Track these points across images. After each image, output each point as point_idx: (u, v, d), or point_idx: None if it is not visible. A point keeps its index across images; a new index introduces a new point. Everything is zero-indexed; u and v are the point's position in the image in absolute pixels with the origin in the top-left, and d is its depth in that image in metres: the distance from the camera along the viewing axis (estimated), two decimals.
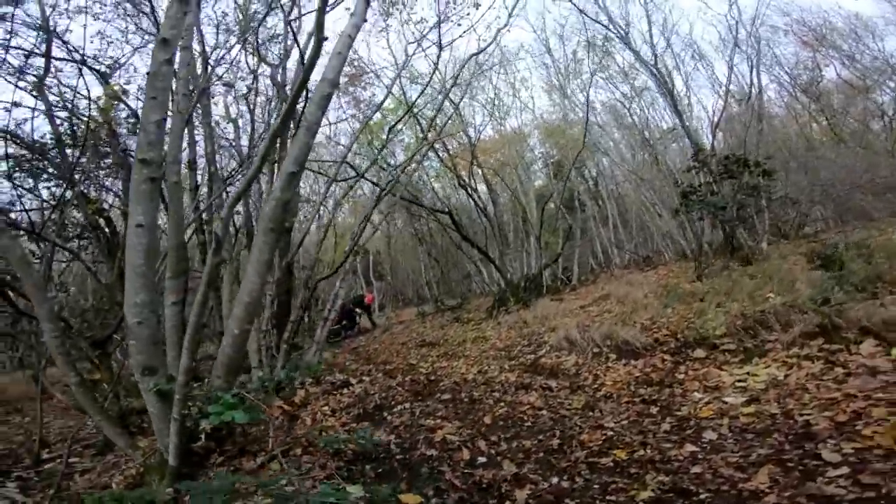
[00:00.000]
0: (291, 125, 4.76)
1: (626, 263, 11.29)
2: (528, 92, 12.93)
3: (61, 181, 4.60)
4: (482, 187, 10.65)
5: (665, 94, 9.31)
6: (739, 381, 3.03)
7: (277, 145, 4.95)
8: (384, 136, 7.77)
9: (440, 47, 6.09)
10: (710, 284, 6.19)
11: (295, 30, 6.02)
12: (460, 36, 11.11)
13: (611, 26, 10.03)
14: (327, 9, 5.79)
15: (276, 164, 5.00)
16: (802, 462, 1.97)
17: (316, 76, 3.49)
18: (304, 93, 4.16)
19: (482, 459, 2.64)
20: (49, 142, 4.51)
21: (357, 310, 10.24)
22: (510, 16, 6.77)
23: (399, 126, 7.88)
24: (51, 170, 4.74)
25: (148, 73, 2.63)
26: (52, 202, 4.60)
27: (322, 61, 3.29)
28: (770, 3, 12.26)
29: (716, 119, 9.01)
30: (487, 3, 13.15)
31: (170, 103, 3.36)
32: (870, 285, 3.78)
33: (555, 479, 2.34)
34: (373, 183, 7.76)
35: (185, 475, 2.65)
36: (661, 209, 9.87)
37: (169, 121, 3.44)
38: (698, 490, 1.96)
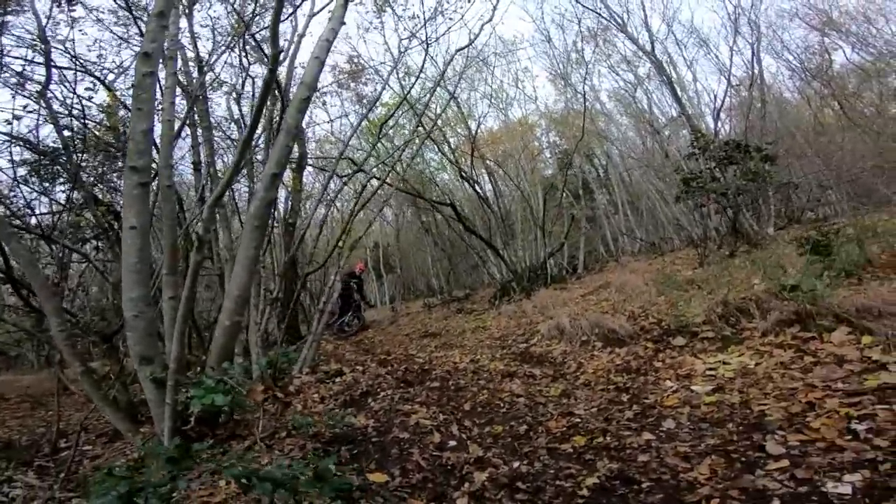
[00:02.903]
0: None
1: (636, 251, 11.18)
2: (532, 82, 12.87)
3: (72, 185, 4.87)
4: (486, 178, 10.68)
5: (665, 81, 9.15)
6: (710, 369, 3.06)
7: (263, 148, 5.14)
8: (386, 131, 7.86)
9: (427, 44, 6.13)
10: (709, 271, 6.14)
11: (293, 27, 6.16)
12: (446, 32, 10.97)
13: (607, 14, 9.92)
14: (315, 12, 5.88)
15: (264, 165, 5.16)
16: (746, 454, 2.01)
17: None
18: (282, 100, 4.29)
19: (452, 443, 2.75)
20: (59, 147, 4.77)
21: (354, 286, 9.05)
22: (494, 9, 6.69)
23: (399, 120, 7.96)
24: (64, 175, 5.01)
25: (132, 86, 2.80)
26: (65, 206, 4.88)
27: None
28: None
29: (718, 104, 8.80)
30: None
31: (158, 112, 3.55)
32: (860, 270, 3.73)
33: (515, 464, 2.43)
34: (374, 177, 7.87)
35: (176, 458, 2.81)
36: (668, 196, 9.72)
37: (158, 128, 3.65)
38: (641, 479, 2.02)
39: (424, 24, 6.07)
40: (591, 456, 2.35)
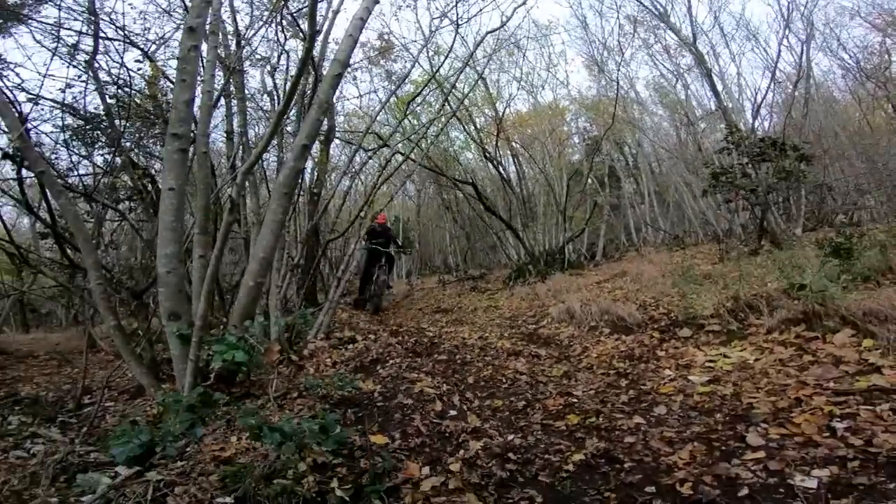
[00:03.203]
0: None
1: (658, 242, 11.03)
2: (565, 67, 12.54)
3: (112, 149, 5.15)
4: (510, 160, 10.66)
5: (704, 73, 8.81)
6: (710, 361, 3.12)
7: (293, 120, 5.30)
8: (413, 108, 7.90)
9: (458, 24, 6.09)
10: (728, 267, 6.07)
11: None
12: (478, 13, 10.69)
13: (649, 2, 9.56)
14: None
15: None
16: (727, 443, 2.10)
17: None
18: (315, 75, 4.39)
19: (452, 412, 2.93)
20: (101, 114, 5.04)
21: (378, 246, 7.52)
22: None
23: (426, 97, 7.97)
24: (103, 139, 5.29)
25: (177, 59, 2.96)
26: (105, 168, 5.18)
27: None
28: None
29: (759, 100, 8.40)
30: None
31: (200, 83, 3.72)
32: (879, 276, 3.67)
33: (510, 436, 2.58)
34: (399, 152, 7.97)
35: (196, 405, 3.01)
36: (697, 190, 9.51)
37: (199, 99, 3.83)
38: (624, 459, 2.13)
39: (456, 4, 6.02)
40: (582, 434, 2.48)
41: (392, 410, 2.97)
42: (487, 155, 9.18)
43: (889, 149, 8.93)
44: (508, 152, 10.45)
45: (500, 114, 9.24)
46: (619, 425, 2.52)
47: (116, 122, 4.91)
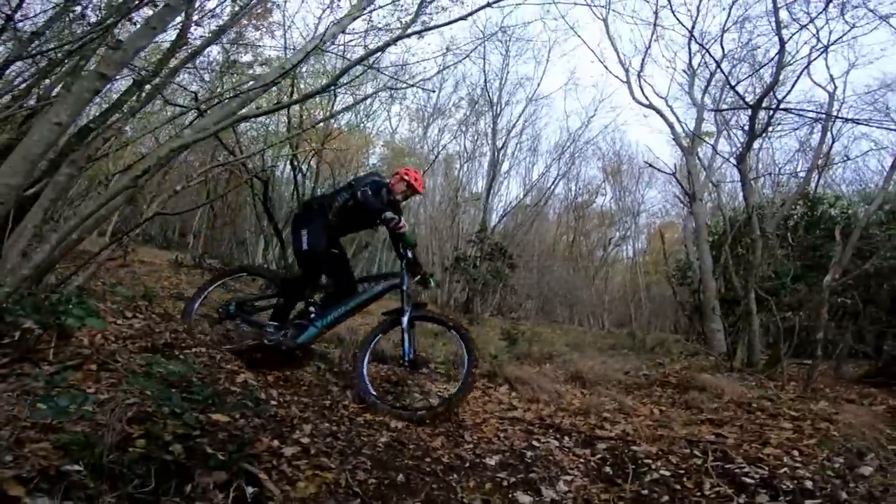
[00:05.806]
0: None
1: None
2: (400, 108, 14.24)
3: None
4: (310, 172, 11.02)
5: (490, 172, 12.19)
6: (440, 392, 4.93)
7: None
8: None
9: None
10: None
11: None
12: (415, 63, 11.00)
13: (496, 98, 12.68)
14: None
15: None
16: (457, 438, 3.72)
17: None
18: None
19: (274, 402, 3.59)
20: None
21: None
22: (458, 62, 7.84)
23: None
24: None
25: (166, 5, 2.77)
26: None
27: None
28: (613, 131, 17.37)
29: (509, 208, 12.29)
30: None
31: None
32: (526, 357, 6.52)
33: (327, 424, 3.49)
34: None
35: None
36: (437, 258, 12.47)
37: None
38: (408, 443, 3.46)
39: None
40: (378, 427, 3.69)
41: (221, 395, 3.36)
42: (294, 159, 9.33)
43: (549, 269, 14.32)
44: (313, 165, 10.78)
45: (331, 127, 9.64)
46: (393, 426, 3.85)
47: None
